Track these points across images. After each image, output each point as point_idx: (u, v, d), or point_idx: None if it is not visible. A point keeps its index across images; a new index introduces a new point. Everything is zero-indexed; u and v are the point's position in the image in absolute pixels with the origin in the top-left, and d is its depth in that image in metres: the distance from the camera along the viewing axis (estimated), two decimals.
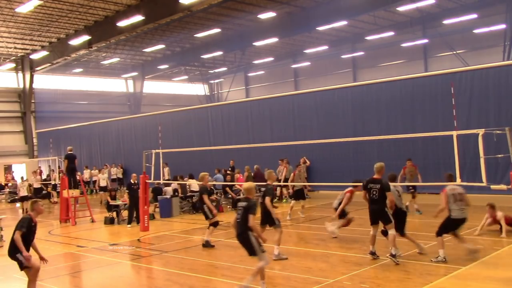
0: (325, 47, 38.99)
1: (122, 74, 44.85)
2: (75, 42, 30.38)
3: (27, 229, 7.46)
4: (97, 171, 28.88)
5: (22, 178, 24.90)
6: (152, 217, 16.38)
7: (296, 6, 29.48)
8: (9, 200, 28.38)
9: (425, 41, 35.86)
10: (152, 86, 48.67)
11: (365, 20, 33.43)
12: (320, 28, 32.60)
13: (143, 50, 37.16)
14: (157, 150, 15.20)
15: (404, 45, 36.28)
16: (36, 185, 24.84)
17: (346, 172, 18.32)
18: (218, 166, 20.93)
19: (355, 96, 19.79)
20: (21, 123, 38.80)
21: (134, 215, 15.88)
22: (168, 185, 19.45)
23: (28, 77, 37.79)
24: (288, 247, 10.76)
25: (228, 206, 18.81)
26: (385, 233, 9.44)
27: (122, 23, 26.39)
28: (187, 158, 23.09)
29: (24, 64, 37.70)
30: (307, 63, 43.84)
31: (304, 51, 41.11)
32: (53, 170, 31.35)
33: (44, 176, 29.61)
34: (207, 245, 11.49)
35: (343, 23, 31.66)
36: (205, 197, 11.73)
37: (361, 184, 10.39)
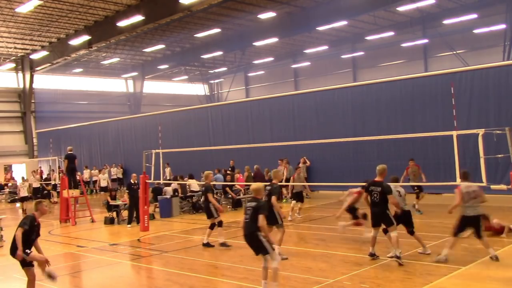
0: (325, 47, 39.00)
1: (122, 74, 44.86)
2: (75, 42, 30.39)
3: (29, 227, 7.44)
4: (97, 171, 28.94)
5: (22, 178, 24.90)
6: (152, 217, 16.38)
7: (296, 6, 29.47)
8: (9, 200, 28.38)
9: (425, 41, 35.85)
10: (152, 86, 48.67)
11: (365, 20, 33.43)
12: (320, 28, 32.60)
13: (143, 50, 37.16)
14: (157, 150, 15.19)
15: (404, 45, 36.27)
16: (35, 184, 24.84)
17: (346, 172, 18.38)
18: (218, 166, 20.90)
19: (355, 96, 19.77)
20: (21, 123, 38.81)
21: (134, 215, 15.89)
22: (168, 185, 19.44)
23: (28, 77, 37.81)
24: (288, 247, 10.74)
25: (228, 206, 18.73)
26: (385, 231, 9.45)
27: (122, 23, 26.40)
28: (187, 158, 23.09)
29: (24, 64, 37.71)
30: (307, 63, 43.83)
31: (304, 51, 41.12)
32: (53, 170, 31.35)
33: (45, 176, 29.60)
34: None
35: (343, 23, 31.67)
36: (210, 196, 11.63)
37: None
